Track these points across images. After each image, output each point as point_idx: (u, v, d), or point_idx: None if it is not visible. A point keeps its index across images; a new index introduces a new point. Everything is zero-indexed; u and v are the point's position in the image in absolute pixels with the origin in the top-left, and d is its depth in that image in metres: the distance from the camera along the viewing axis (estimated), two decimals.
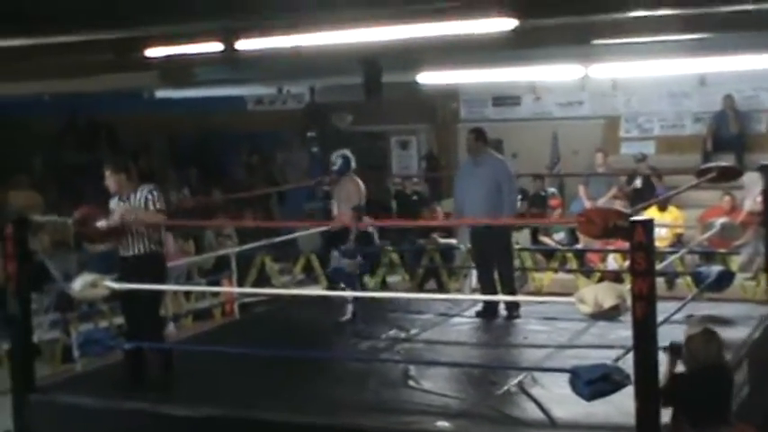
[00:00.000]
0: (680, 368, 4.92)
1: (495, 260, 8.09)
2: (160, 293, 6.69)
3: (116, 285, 6.09)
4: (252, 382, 6.42)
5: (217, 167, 14.54)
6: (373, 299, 8.45)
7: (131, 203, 6.26)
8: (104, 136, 13.71)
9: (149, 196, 6.25)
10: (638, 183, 12.27)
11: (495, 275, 8.12)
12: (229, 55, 10.58)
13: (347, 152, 8.08)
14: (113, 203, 6.36)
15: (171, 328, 8.78)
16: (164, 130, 14.41)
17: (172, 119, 14.35)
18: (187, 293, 9.40)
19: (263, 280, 10.10)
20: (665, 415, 4.82)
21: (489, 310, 8.04)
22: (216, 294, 9.72)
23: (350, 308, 7.84)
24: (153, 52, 10.57)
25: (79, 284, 6.02)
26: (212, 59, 11.19)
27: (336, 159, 8.05)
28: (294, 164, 14.91)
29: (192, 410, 5.83)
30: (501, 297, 8.10)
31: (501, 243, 8.08)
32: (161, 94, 15.18)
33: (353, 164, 8.08)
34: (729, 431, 4.76)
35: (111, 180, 6.32)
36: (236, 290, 9.19)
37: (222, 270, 9.96)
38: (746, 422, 5.03)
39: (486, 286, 8.14)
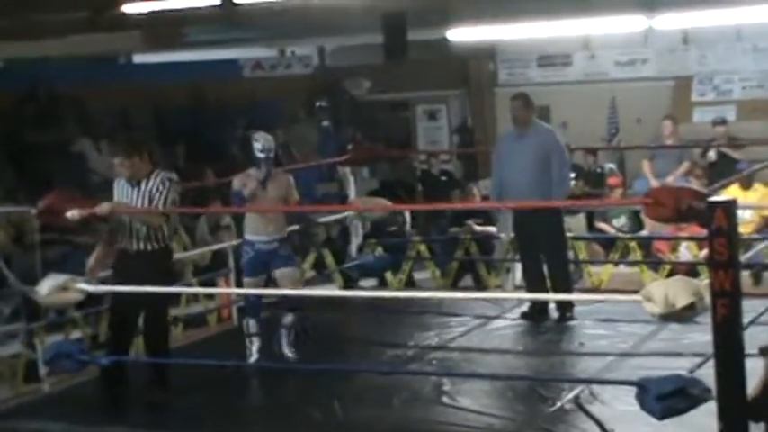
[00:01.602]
0: None
1: (544, 251, 8.06)
2: (169, 296, 6.92)
3: (91, 288, 6.10)
4: (255, 400, 6.43)
5: (209, 145, 14.56)
6: (398, 300, 8.41)
7: (141, 191, 6.45)
8: (72, 110, 13.74)
9: (161, 187, 6.43)
10: (712, 155, 12.17)
11: (545, 269, 8.09)
12: (227, 10, 10.58)
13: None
14: (120, 187, 6.54)
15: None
16: (145, 101, 14.44)
17: (154, 89, 14.37)
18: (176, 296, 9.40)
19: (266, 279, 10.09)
20: None
21: (537, 312, 8.02)
22: (210, 297, 9.72)
23: (255, 346, 7.10)
24: (133, 8, 10.57)
25: (46, 288, 6.02)
26: (206, 16, 11.21)
27: (268, 144, 7.14)
28: (300, 140, 14.90)
29: None
30: (552, 295, 8.06)
31: (551, 230, 8.04)
32: (140, 59, 15.24)
33: None
34: None
35: (123, 167, 6.51)
36: (235, 291, 9.18)
37: (218, 268, 9.96)
38: None
39: (534, 283, 8.11)
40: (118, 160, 6.54)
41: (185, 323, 9.07)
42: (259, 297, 7.19)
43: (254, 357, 7.05)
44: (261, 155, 7.08)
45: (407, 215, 11.88)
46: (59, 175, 11.71)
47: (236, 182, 7.16)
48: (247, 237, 7.15)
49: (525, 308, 8.12)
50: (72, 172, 12.15)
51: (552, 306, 8.07)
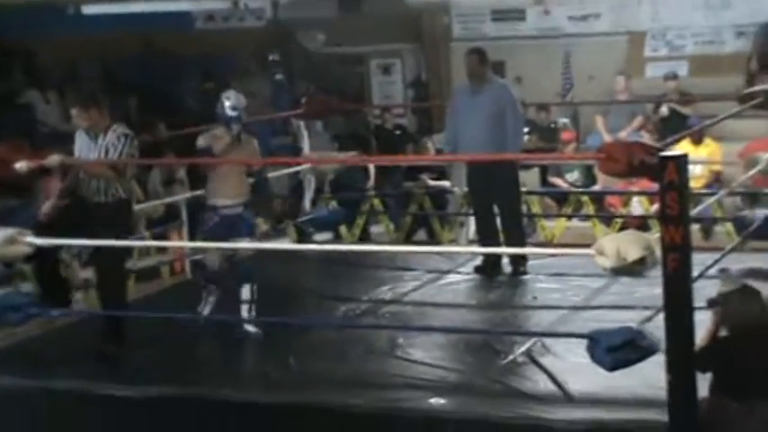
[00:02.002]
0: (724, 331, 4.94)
1: (498, 205, 8.09)
2: (126, 249, 6.90)
3: (40, 241, 6.05)
4: (209, 354, 6.43)
5: (161, 97, 14.40)
6: (352, 253, 8.42)
7: (98, 144, 6.46)
8: (19, 61, 13.52)
9: (116, 142, 6.44)
10: (664, 110, 12.24)
11: (498, 223, 8.13)
12: None
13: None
14: (81, 139, 6.54)
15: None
16: (95, 53, 14.24)
17: (104, 40, 14.16)
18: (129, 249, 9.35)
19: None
20: (702, 388, 4.85)
21: (490, 265, 8.06)
22: (163, 250, 9.67)
23: (210, 304, 6.92)
24: None
25: None
26: None
27: (240, 102, 6.88)
28: (254, 93, 14.76)
29: (136, 390, 5.82)
30: (505, 249, 8.11)
31: (506, 184, 8.08)
32: (90, 9, 15.00)
33: None
34: None
35: (80, 118, 6.53)
36: (187, 244, 9.15)
37: (171, 221, 9.91)
38: None
39: (487, 237, 8.15)
40: (75, 111, 6.58)
41: (138, 276, 9.03)
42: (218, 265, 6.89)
43: (207, 311, 6.90)
44: (233, 113, 6.78)
45: (371, 169, 11.87)
46: (7, 126, 11.53)
47: (203, 140, 6.87)
48: (211, 201, 6.84)
49: (478, 262, 8.16)
50: (20, 123, 11.97)
51: (505, 260, 8.12)
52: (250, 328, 6.62)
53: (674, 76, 12.66)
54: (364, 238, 10.60)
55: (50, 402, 5.95)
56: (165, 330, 6.58)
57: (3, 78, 13.19)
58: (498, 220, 8.14)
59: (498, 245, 8.06)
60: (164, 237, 9.70)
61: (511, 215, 8.17)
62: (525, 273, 7.99)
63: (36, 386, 5.99)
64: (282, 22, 16.01)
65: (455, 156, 8.42)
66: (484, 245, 8.24)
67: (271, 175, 8.99)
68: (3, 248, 5.87)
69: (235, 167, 6.80)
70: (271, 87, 14.86)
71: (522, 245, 8.30)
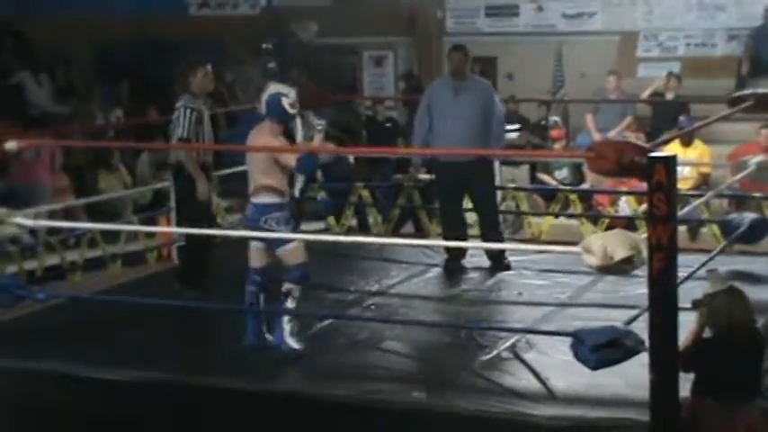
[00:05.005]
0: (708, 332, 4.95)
1: (476, 201, 8.15)
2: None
3: (29, 222, 6.03)
4: (193, 340, 6.41)
5: (153, 83, 14.34)
6: (340, 244, 8.39)
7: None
8: (10, 41, 13.44)
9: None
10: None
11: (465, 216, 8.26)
12: None
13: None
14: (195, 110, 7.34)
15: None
16: (88, 35, 14.18)
17: (98, 22, 14.11)
18: (116, 234, 9.32)
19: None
20: (684, 389, 4.86)
21: (458, 260, 8.06)
22: (150, 235, 9.63)
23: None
24: None
25: None
26: None
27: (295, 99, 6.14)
28: (246, 81, 14.77)
29: (118, 374, 5.81)
30: (491, 245, 8.09)
31: (485, 180, 8.11)
32: None
33: None
34: (762, 406, 4.81)
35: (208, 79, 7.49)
36: (175, 230, 9.12)
37: (159, 206, 9.88)
38: None
39: (454, 229, 8.11)
40: (205, 71, 7.51)
41: (124, 261, 9.00)
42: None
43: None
44: (293, 111, 6.13)
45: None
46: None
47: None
48: (281, 200, 6.05)
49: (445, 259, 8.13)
50: (10, 104, 11.92)
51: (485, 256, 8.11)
52: (293, 344, 6.02)
53: (678, 78, 12.61)
54: (362, 229, 10.57)
55: (34, 383, 5.93)
56: (149, 315, 6.57)
57: None
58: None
59: (465, 238, 8.09)
60: (152, 222, 9.68)
61: (489, 212, 8.16)
62: (508, 267, 7.96)
63: (20, 367, 5.96)
64: (276, 10, 15.99)
65: (448, 150, 8.37)
66: (447, 237, 8.17)
67: None
68: None
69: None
70: (263, 76, 14.81)
71: (501, 240, 8.28)
